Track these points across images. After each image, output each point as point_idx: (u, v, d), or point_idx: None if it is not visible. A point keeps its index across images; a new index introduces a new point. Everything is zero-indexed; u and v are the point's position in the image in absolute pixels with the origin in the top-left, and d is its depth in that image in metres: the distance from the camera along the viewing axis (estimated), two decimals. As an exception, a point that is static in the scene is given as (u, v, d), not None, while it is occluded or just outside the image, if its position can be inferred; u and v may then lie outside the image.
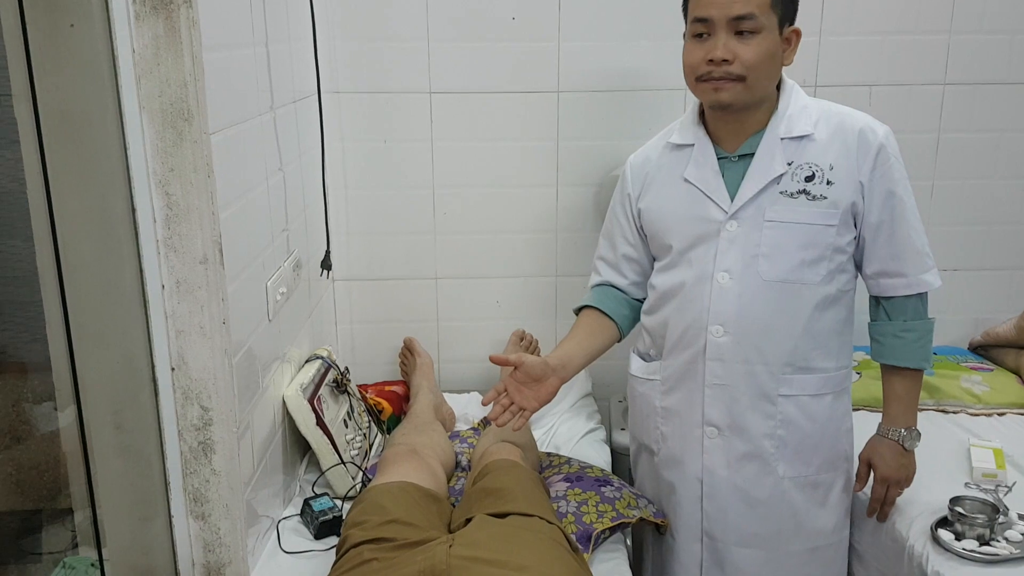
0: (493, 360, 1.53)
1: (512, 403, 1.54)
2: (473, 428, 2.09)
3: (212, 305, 1.30)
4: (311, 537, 1.62)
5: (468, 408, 2.20)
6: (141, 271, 1.28)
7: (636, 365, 1.73)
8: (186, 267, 1.28)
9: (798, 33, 1.49)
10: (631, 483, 1.84)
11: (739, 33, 1.43)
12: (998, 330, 2.24)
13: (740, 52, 1.43)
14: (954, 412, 2.03)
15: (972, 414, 2.02)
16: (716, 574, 1.65)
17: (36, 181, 1.22)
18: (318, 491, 1.72)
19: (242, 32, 1.49)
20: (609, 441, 2.10)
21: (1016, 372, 2.13)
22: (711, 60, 1.44)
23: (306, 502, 1.66)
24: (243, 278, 1.46)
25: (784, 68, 1.55)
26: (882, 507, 1.62)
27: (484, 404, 1.59)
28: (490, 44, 2.12)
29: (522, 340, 2.26)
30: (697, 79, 1.48)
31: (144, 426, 1.35)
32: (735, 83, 1.45)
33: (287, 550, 1.58)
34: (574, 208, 2.24)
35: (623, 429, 2.13)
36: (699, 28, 1.46)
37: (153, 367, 1.32)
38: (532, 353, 2.25)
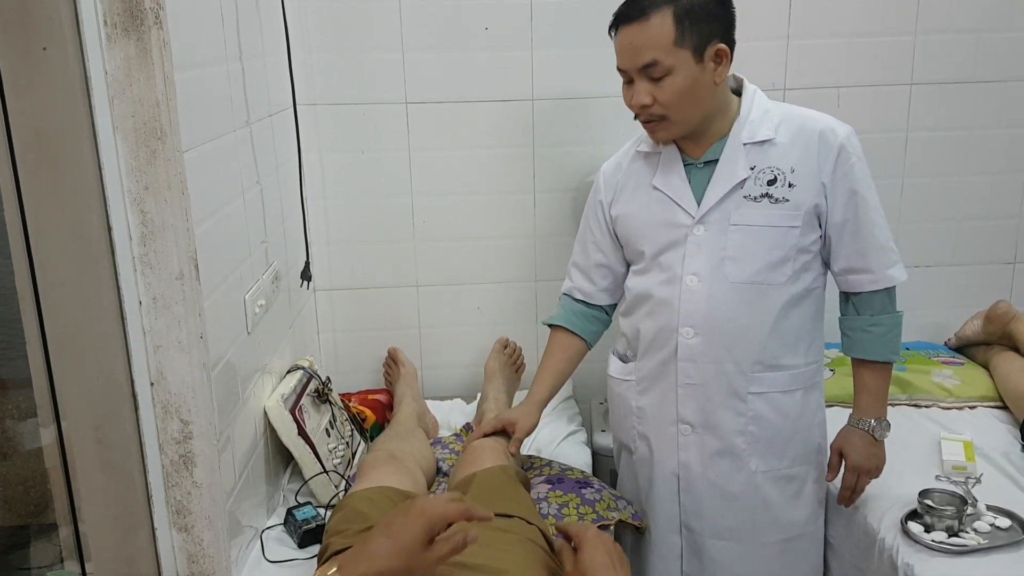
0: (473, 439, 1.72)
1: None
2: (456, 434, 2.11)
3: (189, 320, 1.32)
4: (295, 546, 1.63)
5: (451, 415, 2.22)
6: (118, 288, 1.30)
7: (614, 366, 1.77)
8: (162, 283, 1.30)
9: (723, 51, 1.49)
10: (613, 483, 1.87)
11: (654, 78, 1.49)
12: (966, 332, 2.28)
13: (657, 95, 1.50)
14: (926, 406, 2.07)
15: (944, 408, 2.06)
16: (695, 564, 1.69)
17: (11, 201, 1.24)
18: (301, 500, 1.74)
19: (215, 49, 1.52)
20: (590, 443, 2.13)
21: (985, 366, 2.17)
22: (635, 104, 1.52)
23: (289, 511, 1.68)
24: (220, 292, 1.48)
25: (745, 74, 1.58)
26: (851, 495, 1.65)
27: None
28: (464, 54, 2.14)
29: (505, 348, 2.28)
30: (635, 119, 1.58)
31: (125, 441, 1.36)
32: (662, 122, 1.53)
33: (271, 559, 1.60)
34: (551, 214, 2.27)
35: (603, 431, 2.16)
36: (623, 76, 1.54)
37: (132, 382, 1.34)
38: (516, 361, 2.29)
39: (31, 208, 1.24)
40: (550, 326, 1.83)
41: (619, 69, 1.54)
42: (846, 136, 1.54)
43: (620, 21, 1.50)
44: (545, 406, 1.78)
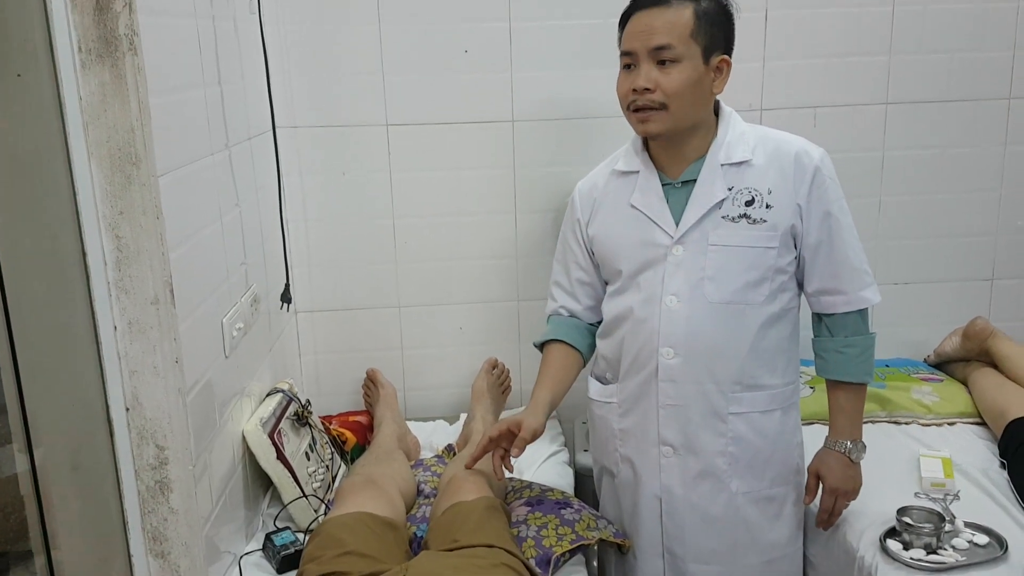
0: (470, 464, 1.65)
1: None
2: (437, 456, 2.11)
3: (164, 345, 1.32)
4: (273, 572, 1.62)
5: (434, 436, 2.21)
6: (93, 313, 1.30)
7: (594, 389, 1.76)
8: (137, 308, 1.30)
9: (727, 62, 1.55)
10: (595, 504, 1.87)
11: (662, 63, 1.49)
12: (945, 348, 2.29)
13: (661, 81, 1.49)
14: (906, 423, 2.08)
15: (923, 424, 2.07)
16: None
17: (-15, 227, 1.24)
18: (280, 525, 1.73)
19: (192, 74, 1.52)
20: (572, 463, 2.13)
21: (964, 383, 2.18)
22: (635, 89, 1.51)
23: (268, 536, 1.67)
24: (196, 316, 1.48)
25: (722, 96, 1.60)
26: (829, 517, 1.65)
27: (468, 467, 1.66)
28: (444, 76, 2.15)
29: (494, 368, 2.28)
30: (627, 108, 1.55)
31: (101, 467, 1.36)
32: (659, 112, 1.51)
33: (249, 585, 1.59)
34: (533, 234, 2.28)
35: (586, 450, 2.15)
36: (626, 60, 1.54)
37: (107, 408, 1.33)
38: (503, 382, 2.29)
39: (5, 233, 1.24)
40: (543, 345, 1.76)
41: (624, 53, 1.54)
42: (820, 158, 1.56)
43: (640, 6, 1.52)
44: (550, 412, 1.64)
